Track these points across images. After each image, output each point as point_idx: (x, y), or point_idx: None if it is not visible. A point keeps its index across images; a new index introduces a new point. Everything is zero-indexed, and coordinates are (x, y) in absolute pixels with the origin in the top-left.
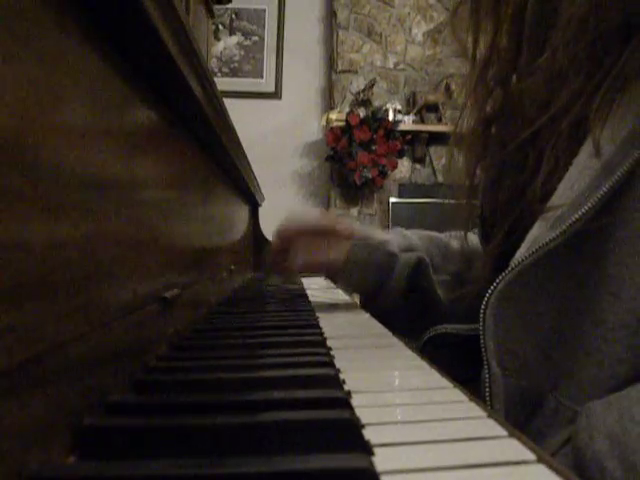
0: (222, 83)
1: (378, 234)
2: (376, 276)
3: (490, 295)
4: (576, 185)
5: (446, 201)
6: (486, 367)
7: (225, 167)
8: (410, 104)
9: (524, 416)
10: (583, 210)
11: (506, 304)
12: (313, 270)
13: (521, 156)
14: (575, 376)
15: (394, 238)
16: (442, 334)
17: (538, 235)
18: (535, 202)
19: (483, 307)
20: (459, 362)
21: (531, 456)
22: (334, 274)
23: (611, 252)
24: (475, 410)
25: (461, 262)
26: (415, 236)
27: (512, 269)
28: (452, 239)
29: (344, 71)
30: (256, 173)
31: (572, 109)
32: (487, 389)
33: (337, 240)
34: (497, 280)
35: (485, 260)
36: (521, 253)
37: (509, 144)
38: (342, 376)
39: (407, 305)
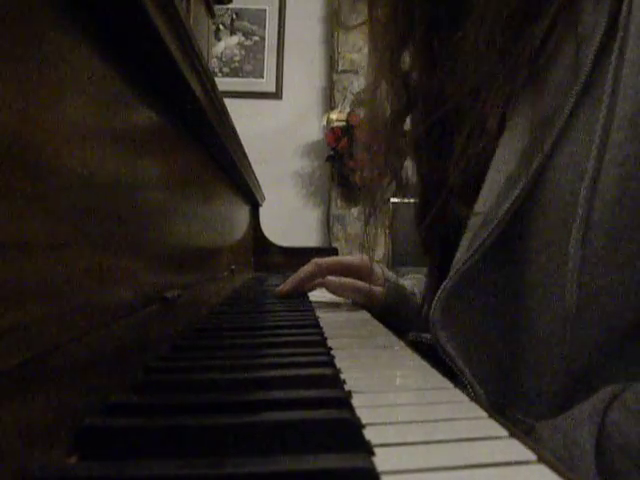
0: (223, 83)
1: (406, 283)
2: (405, 324)
3: (434, 308)
4: (495, 187)
5: None
6: (464, 379)
7: (226, 167)
8: None
9: None
10: (494, 222)
11: (451, 316)
12: (350, 290)
13: (435, 141)
14: (522, 390)
15: (419, 288)
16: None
17: (468, 241)
18: (455, 198)
19: (431, 325)
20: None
21: (532, 456)
22: (371, 306)
23: (531, 262)
24: (476, 410)
25: None
26: None
27: (450, 278)
28: None
29: (345, 71)
30: (256, 173)
31: (477, 100)
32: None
33: (369, 281)
34: (438, 293)
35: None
36: (456, 260)
37: (423, 123)
38: (342, 376)
39: None
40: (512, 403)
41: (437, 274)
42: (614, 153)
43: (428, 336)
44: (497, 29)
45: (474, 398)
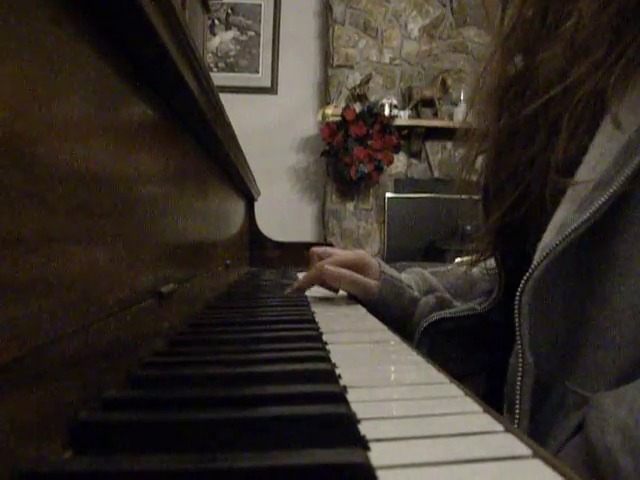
0: (218, 78)
1: (403, 276)
2: (400, 317)
3: (525, 283)
4: (600, 163)
5: (445, 196)
6: (520, 357)
7: (221, 162)
8: (406, 99)
9: (533, 403)
10: (610, 191)
11: (542, 292)
12: (346, 281)
13: (531, 127)
14: (582, 361)
15: (416, 281)
16: (439, 321)
17: (565, 218)
18: (551, 173)
19: (518, 296)
20: (457, 355)
21: (527, 451)
22: (366, 300)
23: (622, 232)
24: (471, 405)
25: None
26: (433, 277)
27: (546, 256)
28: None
29: (340, 66)
30: (252, 168)
31: (590, 80)
32: (519, 380)
33: (365, 275)
34: (532, 267)
35: (485, 234)
36: (551, 238)
37: (520, 113)
38: (338, 371)
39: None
40: (566, 374)
41: (508, 261)
42: None
43: (452, 311)
44: (607, 20)
45: (520, 373)
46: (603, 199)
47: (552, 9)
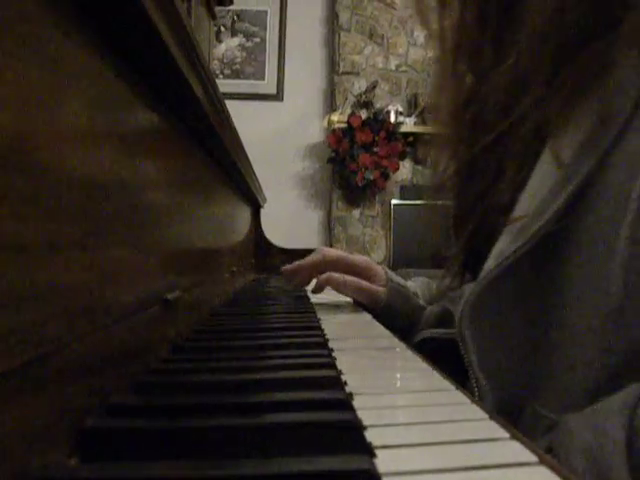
0: (224, 85)
1: (409, 284)
2: (406, 324)
3: (463, 308)
4: (538, 194)
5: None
6: (474, 382)
7: (227, 169)
8: (412, 106)
9: None
10: (545, 218)
11: (479, 317)
12: (352, 289)
13: (483, 161)
14: (550, 384)
15: (422, 289)
16: (428, 339)
17: (503, 247)
18: (496, 211)
19: (458, 321)
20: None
21: (533, 458)
22: (372, 307)
23: (573, 257)
24: (477, 412)
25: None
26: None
27: (480, 282)
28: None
29: (346, 73)
30: (258, 175)
31: (532, 116)
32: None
33: (371, 282)
34: (468, 294)
35: (455, 258)
36: (488, 265)
37: (473, 147)
38: (344, 378)
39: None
40: (535, 397)
41: (467, 276)
42: None
43: (441, 331)
44: (545, 56)
45: (477, 397)
46: (535, 228)
47: (489, 39)
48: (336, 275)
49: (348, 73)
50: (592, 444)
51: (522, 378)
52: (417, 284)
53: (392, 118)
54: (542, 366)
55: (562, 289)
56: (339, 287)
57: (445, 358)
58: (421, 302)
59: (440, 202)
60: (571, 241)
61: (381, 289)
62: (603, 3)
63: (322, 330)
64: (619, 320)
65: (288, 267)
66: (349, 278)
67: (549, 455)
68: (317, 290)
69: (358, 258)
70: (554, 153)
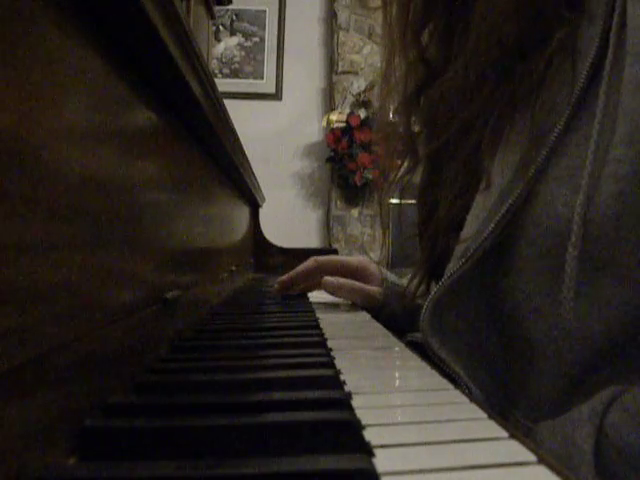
0: (222, 84)
1: (405, 281)
2: (403, 323)
3: (421, 324)
4: (479, 217)
5: None
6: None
7: (226, 168)
8: None
9: None
10: (481, 238)
11: (438, 331)
12: (347, 291)
13: (435, 170)
14: (523, 393)
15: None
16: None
17: (451, 267)
18: (442, 229)
19: (422, 335)
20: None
21: (532, 457)
22: (369, 307)
23: (524, 271)
24: (476, 411)
25: None
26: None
27: (427, 305)
28: None
29: (345, 72)
30: (256, 174)
31: (472, 131)
32: None
33: (367, 282)
34: (422, 312)
35: (421, 262)
36: (437, 286)
37: (427, 148)
38: (342, 377)
39: None
40: (512, 405)
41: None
42: (613, 169)
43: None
44: (488, 66)
45: (473, 399)
46: (472, 248)
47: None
48: (330, 278)
49: (347, 72)
50: (560, 452)
51: (501, 389)
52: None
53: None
54: (512, 375)
55: (521, 303)
56: (334, 289)
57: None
58: (419, 300)
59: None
60: (519, 256)
61: (376, 289)
62: (540, 15)
63: (321, 329)
64: (574, 334)
65: (282, 279)
66: (343, 280)
67: None
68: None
69: (351, 259)
70: (487, 178)
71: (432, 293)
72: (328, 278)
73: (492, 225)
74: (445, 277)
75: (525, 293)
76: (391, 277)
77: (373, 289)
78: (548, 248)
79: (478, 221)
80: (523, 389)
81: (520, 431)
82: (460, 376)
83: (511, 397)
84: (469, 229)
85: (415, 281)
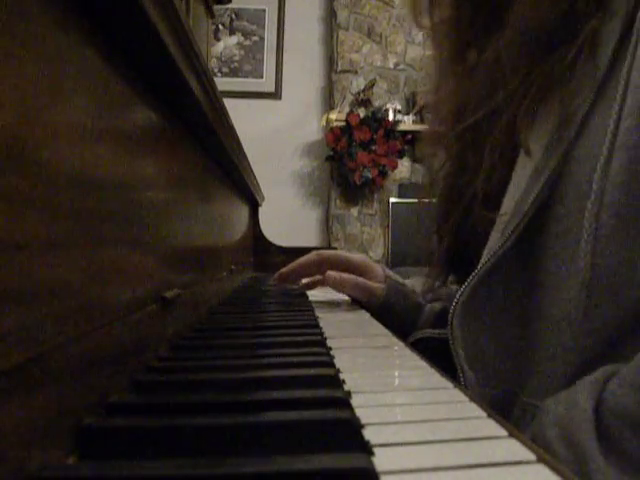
0: (222, 83)
1: (407, 282)
2: (404, 322)
3: (455, 305)
4: (517, 192)
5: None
6: (461, 375)
7: (225, 167)
8: (410, 104)
9: None
10: (521, 215)
11: (471, 313)
12: (349, 286)
13: (467, 156)
14: (535, 373)
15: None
16: (424, 339)
17: (492, 244)
18: (477, 206)
19: (450, 317)
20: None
21: (531, 456)
22: (370, 304)
23: (549, 248)
24: (475, 410)
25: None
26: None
27: (471, 279)
28: None
29: (344, 71)
30: (256, 173)
31: (505, 110)
32: None
33: (369, 279)
34: (460, 290)
35: (438, 260)
36: (481, 262)
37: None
38: (342, 376)
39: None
40: (525, 387)
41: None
42: (624, 139)
43: (435, 331)
44: (523, 54)
45: (473, 399)
46: (514, 224)
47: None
48: (333, 273)
49: (346, 71)
50: (564, 416)
51: (511, 372)
52: (415, 282)
53: (390, 116)
54: (526, 359)
55: (542, 280)
56: (336, 284)
57: (439, 358)
58: (419, 299)
59: (428, 200)
60: (547, 234)
61: (379, 285)
62: (573, 9)
63: (320, 328)
64: (589, 305)
65: (284, 270)
66: (346, 275)
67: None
68: (306, 287)
69: (355, 256)
70: (524, 146)
71: (477, 269)
72: (332, 272)
73: (532, 197)
74: (489, 255)
75: (549, 270)
76: (394, 276)
77: (376, 285)
78: (571, 225)
79: (516, 197)
80: (535, 371)
81: (529, 412)
82: (458, 356)
83: (521, 382)
84: (507, 205)
85: (433, 275)
